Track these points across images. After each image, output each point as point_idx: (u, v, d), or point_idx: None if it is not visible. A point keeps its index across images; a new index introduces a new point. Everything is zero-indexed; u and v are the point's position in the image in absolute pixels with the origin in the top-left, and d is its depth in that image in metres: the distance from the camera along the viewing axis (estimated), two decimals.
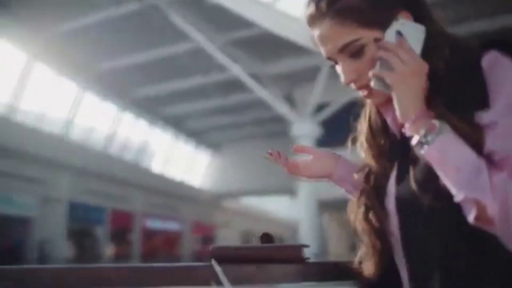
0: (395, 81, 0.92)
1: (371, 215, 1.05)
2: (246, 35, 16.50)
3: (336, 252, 23.55)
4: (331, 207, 19.29)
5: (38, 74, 16.79)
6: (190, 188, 25.72)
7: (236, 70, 16.48)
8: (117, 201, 20.29)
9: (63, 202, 17.50)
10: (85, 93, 18.94)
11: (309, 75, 17.61)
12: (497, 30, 13.41)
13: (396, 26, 0.95)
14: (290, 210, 30.05)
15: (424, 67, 0.92)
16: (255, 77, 17.01)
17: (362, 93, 1.03)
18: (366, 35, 0.96)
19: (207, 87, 19.90)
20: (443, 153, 0.87)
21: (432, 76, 0.93)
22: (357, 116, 1.22)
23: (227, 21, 15.60)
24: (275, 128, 23.24)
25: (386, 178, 1.02)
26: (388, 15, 0.96)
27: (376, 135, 1.11)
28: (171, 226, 23.76)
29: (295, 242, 1.30)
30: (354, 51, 0.97)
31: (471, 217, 0.84)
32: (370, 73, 0.95)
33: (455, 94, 0.91)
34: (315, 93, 15.92)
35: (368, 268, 1.07)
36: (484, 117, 0.86)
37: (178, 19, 15.36)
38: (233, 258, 1.16)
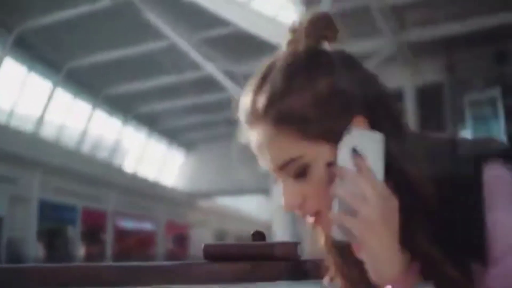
0: (361, 231, 0.69)
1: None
2: (221, 33, 16.46)
3: (311, 252, 23.71)
4: None
5: (8, 70, 16.46)
6: (163, 188, 25.57)
7: (211, 69, 16.43)
8: (89, 200, 20.05)
9: (33, 201, 17.20)
10: (56, 90, 18.64)
11: None
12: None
13: (349, 141, 0.74)
14: (264, 210, 30.14)
15: (395, 202, 0.71)
16: (230, 76, 16.98)
17: (308, 221, 0.80)
18: (310, 151, 0.74)
19: (181, 85, 19.78)
20: None
21: (406, 200, 0.72)
22: None
23: (201, 19, 15.52)
24: None
25: None
26: (339, 125, 0.74)
27: (345, 264, 0.86)
28: (145, 225, 23.58)
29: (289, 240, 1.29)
30: (296, 172, 0.75)
31: None
32: (329, 215, 0.72)
33: (441, 224, 0.71)
34: None
35: None
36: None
37: (152, 17, 15.24)
38: (227, 256, 1.15)
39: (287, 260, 1.18)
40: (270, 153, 0.77)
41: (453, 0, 13.41)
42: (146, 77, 19.06)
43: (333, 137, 0.74)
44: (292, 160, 0.74)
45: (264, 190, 24.67)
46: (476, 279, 0.69)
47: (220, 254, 1.13)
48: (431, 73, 17.35)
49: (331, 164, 0.73)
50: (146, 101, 21.51)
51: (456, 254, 0.70)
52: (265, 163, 0.79)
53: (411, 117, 18.01)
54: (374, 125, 0.76)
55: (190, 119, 24.04)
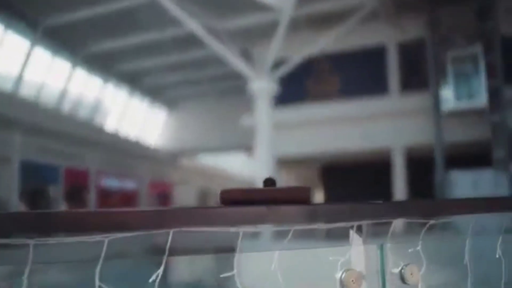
0: None
1: None
2: None
3: None
4: (289, 164, 19.55)
5: None
6: (146, 147, 25.48)
7: (192, 25, 16.19)
8: (71, 159, 19.93)
9: (14, 161, 17.06)
10: (35, 48, 18.24)
11: (266, 31, 17.51)
12: None
13: None
14: (247, 167, 30.29)
15: None
16: (212, 32, 16.77)
17: None
18: None
19: (162, 42, 19.49)
20: None
21: None
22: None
23: None
24: (232, 85, 23.12)
25: None
26: None
27: None
28: (128, 184, 23.59)
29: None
30: None
31: None
32: None
33: None
34: (273, 49, 15.85)
35: None
36: None
37: None
38: (242, 201, 1.17)
39: (301, 203, 1.21)
40: None
41: None
42: (126, 34, 18.73)
43: None
44: None
45: (246, 147, 24.79)
46: None
47: (237, 199, 1.15)
48: (414, 29, 17.32)
49: None
50: (126, 59, 21.19)
51: None
52: None
53: (393, 73, 18.09)
54: None
55: (172, 77, 23.80)
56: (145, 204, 23.79)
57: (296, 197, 1.21)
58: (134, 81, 24.11)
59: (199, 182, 28.33)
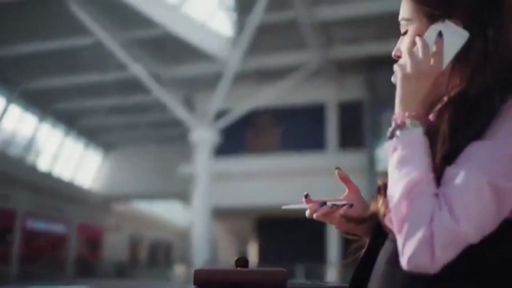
0: (400, 78, 0.97)
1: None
2: (149, 35, 16.22)
3: (226, 260, 23.67)
4: (223, 215, 19.40)
5: None
6: (78, 189, 24.71)
7: (137, 70, 16.11)
8: None
9: None
10: None
11: (210, 81, 17.64)
12: None
13: (440, 26, 0.99)
14: (182, 216, 29.83)
15: (434, 73, 0.96)
16: (156, 78, 16.74)
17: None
18: (416, 18, 1.03)
19: (104, 85, 19.26)
20: (396, 148, 0.92)
21: (454, 87, 0.97)
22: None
23: (130, 18, 15.22)
24: (171, 133, 23.01)
25: None
26: (441, 13, 1.00)
27: None
28: (56, 228, 22.62)
29: (277, 268, 1.27)
30: (404, 30, 1.06)
31: (386, 219, 0.91)
32: (394, 66, 1.01)
33: (466, 115, 0.91)
34: (216, 100, 15.95)
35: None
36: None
37: (79, 11, 14.71)
38: (218, 282, 1.15)
39: (276, 287, 1.20)
40: (401, 13, 1.06)
41: (378, 20, 13.92)
42: (67, 73, 18.38)
43: (432, 18, 1.00)
44: (403, 19, 1.05)
45: (182, 196, 24.45)
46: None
47: (212, 280, 1.12)
48: (353, 89, 17.95)
49: (420, 35, 1.00)
50: (65, 98, 20.76)
51: (463, 127, 0.90)
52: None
53: (332, 130, 18.55)
54: (473, 30, 0.98)
55: (110, 120, 23.44)
56: (73, 249, 22.83)
57: (273, 280, 1.19)
58: (71, 121, 23.55)
59: (131, 228, 27.58)
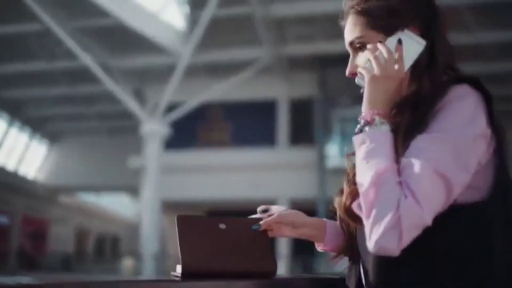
0: (368, 79, 1.06)
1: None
2: (100, 24, 15.89)
3: (175, 253, 23.54)
4: (172, 208, 19.26)
5: None
6: (22, 180, 24.00)
7: (86, 59, 15.75)
8: None
9: None
10: None
11: (161, 74, 17.45)
12: None
13: (399, 34, 1.08)
14: (129, 209, 29.40)
15: (399, 76, 1.07)
16: (105, 69, 16.41)
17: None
18: (371, 35, 1.10)
19: (51, 73, 18.75)
20: (364, 143, 1.02)
21: (410, 90, 1.08)
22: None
23: (81, 6, 14.87)
24: (121, 124, 22.62)
25: None
26: (397, 25, 1.10)
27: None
28: None
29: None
30: (357, 47, 1.13)
31: (355, 203, 1.00)
32: (359, 69, 1.11)
33: (414, 113, 1.02)
34: (168, 93, 15.80)
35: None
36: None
37: None
38: (205, 272, 1.10)
39: (265, 276, 1.19)
40: (347, 34, 1.14)
41: (331, 19, 14.10)
42: (13, 60, 17.76)
43: (389, 31, 1.09)
44: (357, 38, 1.11)
45: (130, 189, 24.10)
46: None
47: (199, 270, 1.10)
48: (304, 86, 18.13)
49: (380, 41, 1.08)
50: (10, 86, 20.06)
51: (412, 124, 1.01)
52: (345, 41, 1.15)
53: (283, 126, 18.70)
54: (424, 36, 1.09)
55: (57, 110, 22.83)
56: (16, 242, 22.16)
57: (262, 269, 1.18)
58: (16, 110, 22.79)
59: (77, 220, 26.98)
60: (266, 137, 18.47)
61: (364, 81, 1.08)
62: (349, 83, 1.21)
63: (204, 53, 16.26)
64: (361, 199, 0.96)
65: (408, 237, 0.92)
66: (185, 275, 1.08)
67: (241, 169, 17.41)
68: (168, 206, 17.71)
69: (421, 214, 0.91)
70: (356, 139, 1.04)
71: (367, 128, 1.03)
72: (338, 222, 1.20)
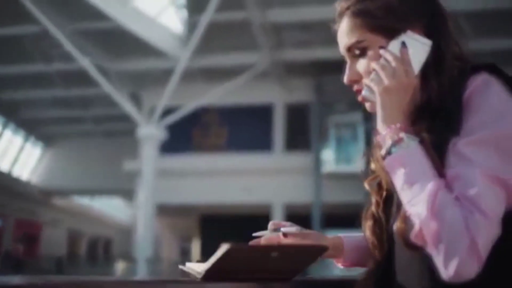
0: (380, 92, 0.98)
1: (377, 229, 1.07)
2: (98, 27, 15.88)
3: (169, 257, 23.43)
4: (166, 212, 19.21)
5: None
6: (16, 182, 23.89)
7: (83, 62, 15.73)
8: None
9: None
10: None
11: (158, 78, 17.44)
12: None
13: (402, 37, 1.00)
14: (122, 212, 29.30)
15: (413, 83, 0.99)
16: (102, 72, 16.39)
17: (359, 98, 1.07)
18: (371, 39, 1.02)
19: (48, 76, 18.70)
20: (399, 167, 0.92)
21: (424, 94, 0.99)
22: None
23: (80, 9, 14.86)
24: (116, 128, 22.56)
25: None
26: (398, 26, 1.01)
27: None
28: None
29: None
30: (358, 52, 1.04)
31: (412, 234, 0.88)
32: (365, 81, 1.02)
33: (438, 116, 0.95)
34: (165, 96, 15.79)
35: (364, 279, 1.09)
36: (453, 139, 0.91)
37: None
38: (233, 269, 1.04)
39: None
40: (343, 38, 1.06)
41: (328, 26, 14.13)
42: (8, 62, 17.69)
43: (390, 33, 1.01)
44: (356, 43, 1.03)
45: (124, 192, 24.01)
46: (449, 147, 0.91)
47: (226, 267, 1.02)
48: (301, 92, 18.15)
49: (382, 47, 1.01)
50: (5, 88, 20.00)
51: (439, 128, 0.94)
52: (340, 46, 1.08)
53: (279, 131, 18.70)
54: (429, 35, 1.02)
55: (53, 112, 22.75)
56: (9, 245, 22.04)
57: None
58: (11, 112, 22.69)
59: (70, 223, 26.84)
60: (262, 142, 18.47)
61: (373, 94, 1.00)
62: (345, 89, 1.16)
63: (201, 57, 16.27)
64: (424, 232, 0.85)
65: (485, 254, 0.83)
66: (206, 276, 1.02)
67: (237, 174, 17.39)
68: (162, 210, 17.66)
69: (492, 226, 0.84)
70: (389, 164, 0.94)
71: (395, 149, 0.94)
72: (367, 239, 1.09)
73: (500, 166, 0.88)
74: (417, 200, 0.88)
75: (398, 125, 0.96)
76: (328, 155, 17.05)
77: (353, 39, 1.03)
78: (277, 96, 18.54)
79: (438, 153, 0.92)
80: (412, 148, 0.93)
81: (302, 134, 18.09)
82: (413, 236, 0.88)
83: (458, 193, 0.86)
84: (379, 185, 1.09)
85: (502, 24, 13.59)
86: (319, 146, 17.44)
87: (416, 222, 0.87)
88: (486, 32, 13.94)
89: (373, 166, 1.10)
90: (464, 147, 0.89)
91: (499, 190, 0.87)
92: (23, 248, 22.21)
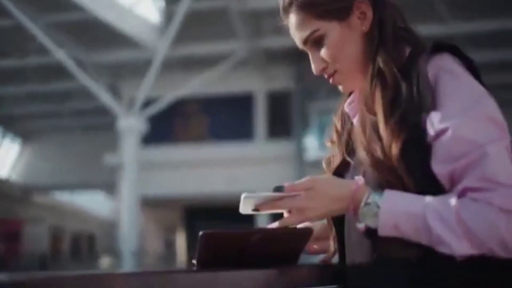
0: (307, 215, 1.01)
1: None
2: (73, 19, 15.58)
3: (153, 250, 23.34)
4: (150, 204, 19.07)
5: None
6: None
7: (59, 55, 15.41)
8: None
9: None
10: None
11: (136, 69, 17.23)
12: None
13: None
14: (104, 207, 29.06)
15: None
16: (79, 64, 16.11)
17: (331, 82, 1.10)
18: (325, 26, 1.04)
19: (23, 70, 18.36)
20: (394, 231, 0.92)
21: (379, 78, 1.00)
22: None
23: (52, 1, 14.56)
24: (95, 121, 22.30)
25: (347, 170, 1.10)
26: (346, 3, 1.04)
27: (342, 133, 1.17)
28: None
29: None
30: (315, 42, 1.06)
31: (460, 258, 0.89)
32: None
33: (398, 96, 0.96)
34: (145, 87, 15.58)
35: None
36: (435, 124, 0.91)
37: None
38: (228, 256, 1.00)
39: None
40: (296, 33, 1.07)
41: None
42: None
43: (341, 14, 1.03)
44: (311, 34, 1.05)
45: (106, 186, 23.78)
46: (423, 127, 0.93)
47: (221, 255, 1.00)
48: (281, 79, 18.09)
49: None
50: None
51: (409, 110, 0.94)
52: (296, 42, 1.09)
53: (260, 119, 18.63)
54: (375, 11, 1.04)
55: (30, 107, 22.38)
56: None
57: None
58: None
59: (52, 220, 26.53)
60: (243, 131, 18.38)
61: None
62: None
63: (180, 47, 16.08)
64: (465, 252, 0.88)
65: None
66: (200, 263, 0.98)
67: (219, 164, 17.30)
68: (146, 203, 17.52)
69: None
70: (385, 233, 0.93)
71: (370, 219, 0.94)
72: (327, 222, 1.16)
73: (502, 135, 0.90)
74: (440, 239, 0.88)
75: (354, 186, 0.97)
76: (311, 142, 17.03)
77: (307, 32, 1.05)
78: (258, 84, 18.45)
79: (415, 132, 0.93)
80: (385, 205, 0.92)
81: (284, 122, 18.04)
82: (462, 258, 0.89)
83: (477, 178, 0.87)
84: (328, 161, 1.17)
85: (477, 7, 13.62)
86: (302, 133, 17.40)
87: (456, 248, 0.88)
88: (463, 15, 13.98)
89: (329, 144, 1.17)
90: (458, 130, 0.90)
91: (510, 156, 0.89)
92: (3, 246, 21.89)
